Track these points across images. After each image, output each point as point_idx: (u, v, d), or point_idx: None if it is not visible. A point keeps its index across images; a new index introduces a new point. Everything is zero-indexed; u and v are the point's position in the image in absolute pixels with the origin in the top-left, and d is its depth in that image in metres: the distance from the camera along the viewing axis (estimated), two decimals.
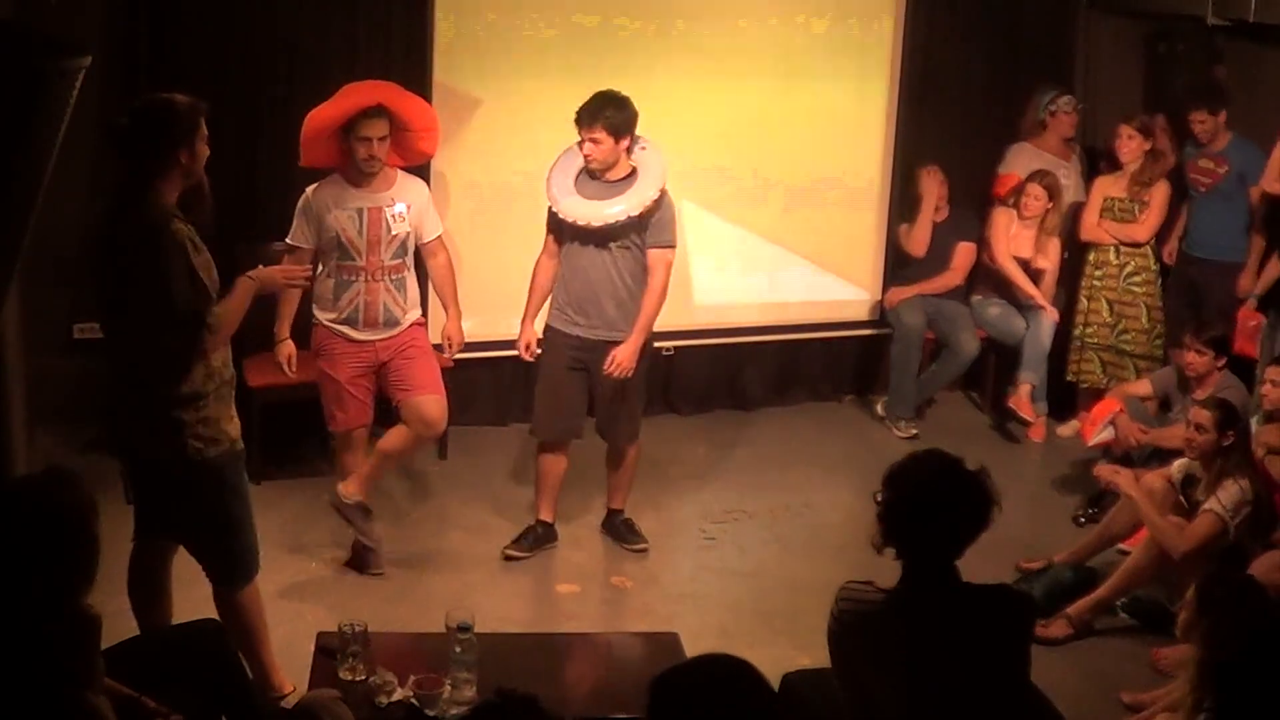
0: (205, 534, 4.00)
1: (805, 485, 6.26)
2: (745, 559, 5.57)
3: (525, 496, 5.93)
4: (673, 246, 5.17)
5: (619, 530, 5.55)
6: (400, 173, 5.13)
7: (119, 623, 3.96)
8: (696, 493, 6.10)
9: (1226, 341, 5.78)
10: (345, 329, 5.03)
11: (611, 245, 5.08)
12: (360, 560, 5.22)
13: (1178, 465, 5.18)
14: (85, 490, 3.02)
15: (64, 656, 2.88)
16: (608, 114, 4.95)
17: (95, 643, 2.98)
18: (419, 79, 5.92)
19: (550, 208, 5.19)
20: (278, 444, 5.95)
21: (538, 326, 5.33)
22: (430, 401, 5.07)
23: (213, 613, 4.00)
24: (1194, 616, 3.82)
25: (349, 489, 5.07)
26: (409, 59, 6.04)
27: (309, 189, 5.07)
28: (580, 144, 5.03)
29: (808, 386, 7.27)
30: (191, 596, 4.24)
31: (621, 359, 5.09)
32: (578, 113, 4.99)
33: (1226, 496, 4.84)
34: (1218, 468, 4.93)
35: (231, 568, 4.06)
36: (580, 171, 5.12)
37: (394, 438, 5.12)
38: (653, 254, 5.11)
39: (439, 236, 5.22)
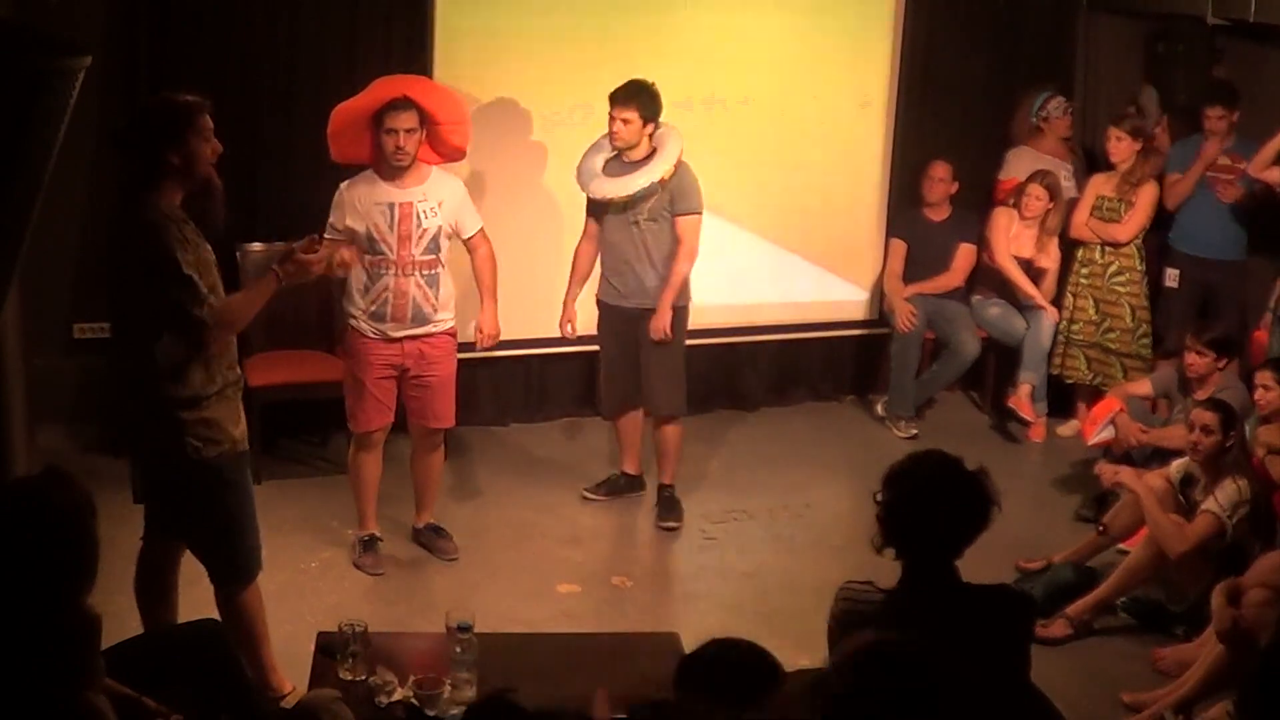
0: (206, 534, 4.00)
1: (805, 485, 6.26)
2: (745, 559, 5.56)
3: (526, 496, 5.95)
4: (698, 213, 5.48)
5: (660, 504, 5.78)
6: (435, 170, 5.12)
7: (119, 623, 3.96)
8: (696, 493, 6.09)
9: (1228, 342, 5.77)
10: (374, 324, 5.03)
11: (639, 219, 5.42)
12: (362, 560, 5.25)
13: (1176, 465, 5.19)
14: (83, 491, 3.02)
15: (64, 656, 2.88)
16: (642, 98, 5.34)
17: (95, 643, 2.98)
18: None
19: (587, 195, 5.52)
20: (278, 444, 5.96)
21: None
22: (438, 435, 5.33)
23: (213, 612, 4.00)
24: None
25: (416, 517, 5.46)
26: (409, 59, 6.03)
27: (343, 184, 5.08)
28: (610, 122, 5.37)
29: (808, 386, 7.27)
30: (192, 596, 4.24)
31: (654, 323, 5.44)
32: (613, 93, 5.37)
33: (1224, 496, 4.84)
34: (1216, 468, 4.93)
35: (232, 568, 4.06)
36: (608, 160, 5.48)
37: (420, 463, 5.37)
38: (679, 221, 5.44)
39: (480, 230, 5.25)
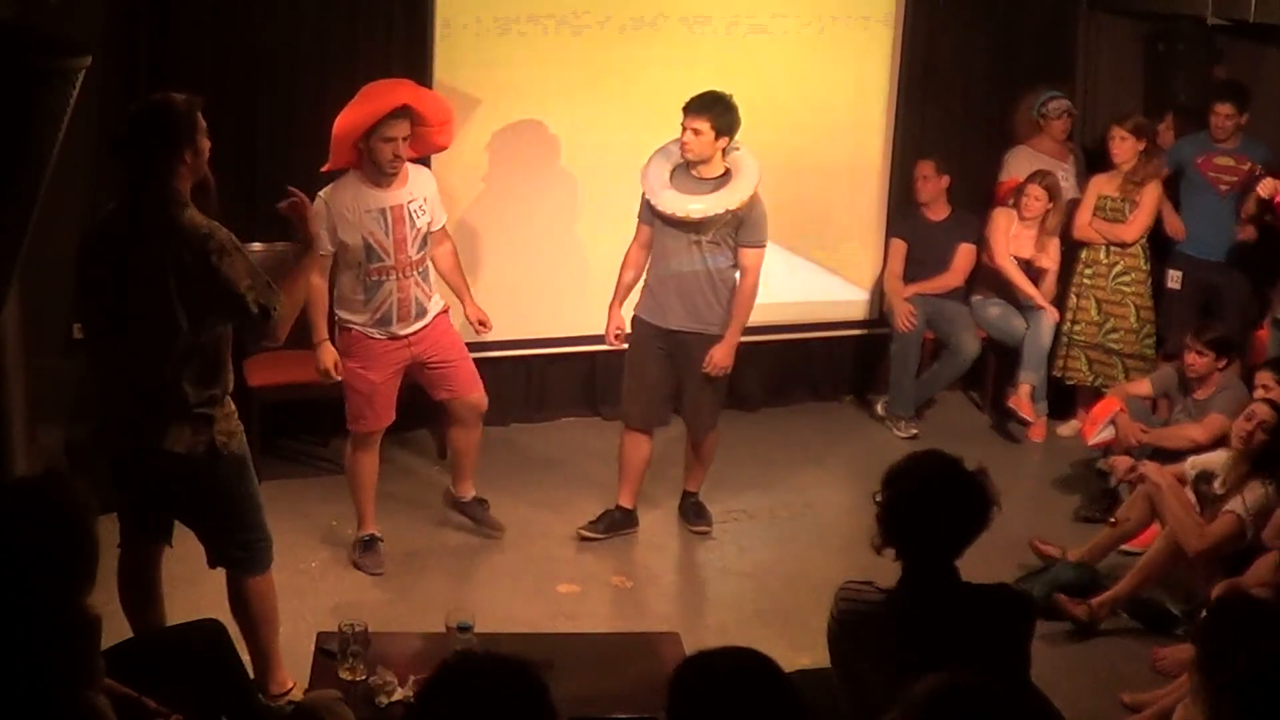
0: (229, 524, 4.03)
1: (805, 485, 6.26)
2: (745, 559, 5.57)
3: (526, 496, 5.94)
4: (764, 246, 5.32)
5: (687, 511, 5.73)
6: (408, 165, 5.08)
7: (119, 623, 3.97)
8: None
9: (1228, 343, 5.77)
10: (382, 329, 5.06)
11: (702, 240, 5.21)
12: (362, 560, 5.25)
13: (1191, 462, 5.17)
14: (83, 491, 3.02)
15: (64, 656, 2.89)
16: (717, 110, 5.13)
17: (95, 643, 2.99)
18: (419, 79, 5.90)
19: (645, 198, 5.31)
20: (277, 444, 5.96)
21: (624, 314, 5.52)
22: (476, 398, 5.31)
23: (212, 612, 4.00)
24: (1203, 636, 3.78)
25: (463, 490, 5.50)
26: (409, 58, 6.04)
27: (322, 194, 4.95)
28: (682, 132, 5.15)
29: (808, 386, 7.27)
30: (192, 596, 4.25)
31: (718, 358, 5.30)
32: (687, 103, 5.15)
33: (1251, 498, 4.80)
34: (1249, 468, 4.88)
35: (254, 554, 4.10)
36: (675, 169, 5.26)
37: (464, 436, 5.38)
38: (745, 253, 5.26)
39: (444, 225, 5.26)
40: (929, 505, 2.95)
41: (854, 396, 7.31)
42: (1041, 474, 6.46)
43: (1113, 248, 6.64)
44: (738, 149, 5.26)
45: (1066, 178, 6.96)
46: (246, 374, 5.58)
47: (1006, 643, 3.05)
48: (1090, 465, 6.11)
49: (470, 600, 4.81)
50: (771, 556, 5.59)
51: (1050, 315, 6.72)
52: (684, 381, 5.45)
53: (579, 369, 6.75)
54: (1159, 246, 6.76)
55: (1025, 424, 6.79)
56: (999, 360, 7.03)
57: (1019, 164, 7.01)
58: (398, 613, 4.91)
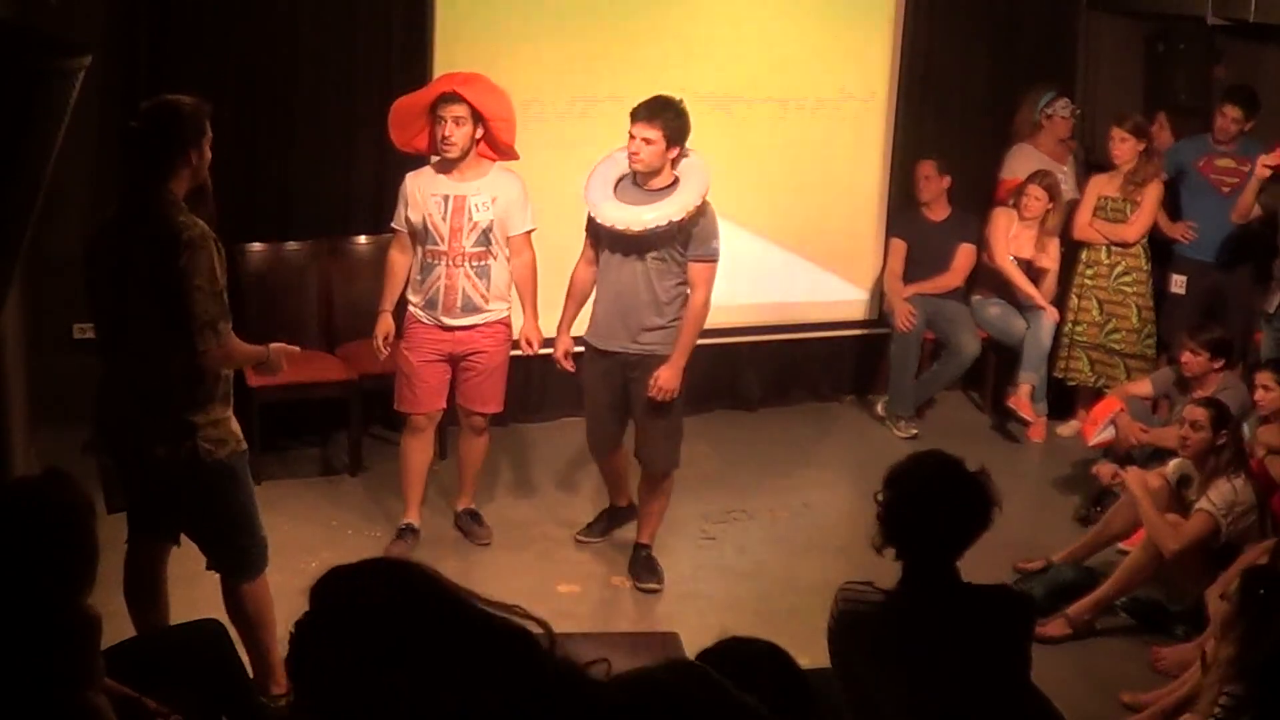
0: (221, 530, 4.03)
1: (805, 485, 6.26)
2: (745, 559, 5.57)
3: (526, 496, 5.95)
4: (715, 260, 4.92)
5: (637, 566, 5.29)
6: (496, 167, 5.18)
7: (119, 623, 3.96)
8: (696, 493, 6.08)
9: (1225, 344, 5.77)
10: (429, 313, 5.15)
11: (648, 256, 4.87)
12: (390, 547, 5.31)
13: (1173, 465, 5.19)
14: (83, 491, 3.02)
15: (64, 656, 2.89)
16: (667, 116, 4.77)
17: (95, 643, 2.99)
18: (419, 78, 5.91)
19: (589, 214, 5.02)
20: (277, 444, 5.95)
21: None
22: (480, 419, 5.38)
23: (212, 612, 4.00)
24: (1234, 612, 3.81)
25: (457, 500, 5.56)
26: (409, 59, 6.04)
27: (408, 175, 5.18)
28: (629, 141, 4.82)
29: (808, 386, 7.27)
30: (191, 596, 4.24)
31: (663, 381, 4.90)
32: (635, 109, 4.80)
33: (1218, 495, 4.85)
34: (1210, 467, 4.93)
35: (246, 560, 4.10)
36: (620, 180, 4.95)
37: (465, 445, 5.47)
38: (694, 267, 4.88)
39: (525, 234, 5.20)
40: (930, 505, 2.95)
41: (854, 396, 7.31)
42: (1041, 474, 6.46)
43: (1114, 248, 6.64)
44: (688, 155, 4.89)
45: (1066, 179, 6.96)
46: (246, 374, 5.57)
47: (1006, 643, 3.05)
48: (1090, 465, 6.11)
49: None
50: (771, 556, 5.59)
51: (1050, 315, 6.72)
52: (633, 407, 5.10)
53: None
54: (1160, 249, 6.76)
55: (1025, 424, 6.80)
56: (999, 360, 7.04)
57: (1020, 162, 7.01)
58: None
